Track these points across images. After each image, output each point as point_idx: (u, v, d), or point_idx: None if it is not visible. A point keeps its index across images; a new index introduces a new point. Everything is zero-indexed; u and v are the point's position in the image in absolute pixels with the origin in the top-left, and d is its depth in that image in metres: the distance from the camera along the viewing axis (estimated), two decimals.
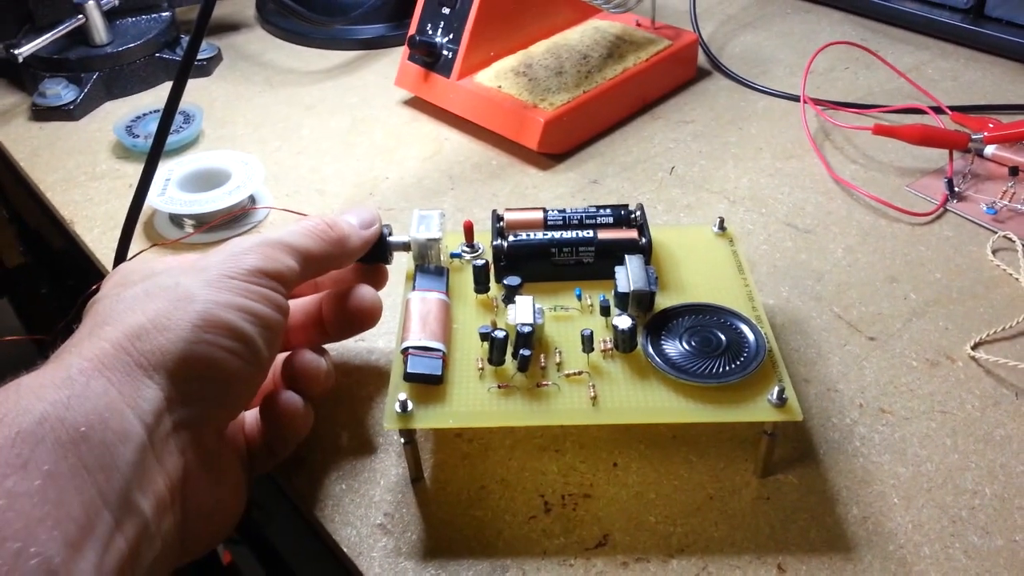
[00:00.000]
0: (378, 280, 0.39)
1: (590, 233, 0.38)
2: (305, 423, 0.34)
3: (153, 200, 0.48)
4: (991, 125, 0.53)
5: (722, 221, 0.40)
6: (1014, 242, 0.45)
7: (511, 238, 0.38)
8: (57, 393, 0.25)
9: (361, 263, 0.38)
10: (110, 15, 0.65)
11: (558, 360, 0.34)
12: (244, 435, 0.34)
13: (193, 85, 0.67)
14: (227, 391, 0.29)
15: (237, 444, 0.33)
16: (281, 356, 0.35)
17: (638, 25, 0.63)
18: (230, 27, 0.77)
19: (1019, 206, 0.48)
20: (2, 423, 0.24)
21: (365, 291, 0.36)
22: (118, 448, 0.25)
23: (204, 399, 0.29)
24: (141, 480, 0.25)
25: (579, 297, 0.37)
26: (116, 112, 0.63)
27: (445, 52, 0.58)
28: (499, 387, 0.33)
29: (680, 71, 0.62)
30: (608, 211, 0.39)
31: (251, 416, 0.35)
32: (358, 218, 0.36)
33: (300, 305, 0.37)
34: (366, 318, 0.36)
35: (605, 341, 0.34)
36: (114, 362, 0.27)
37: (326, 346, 0.37)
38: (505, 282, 0.36)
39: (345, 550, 0.33)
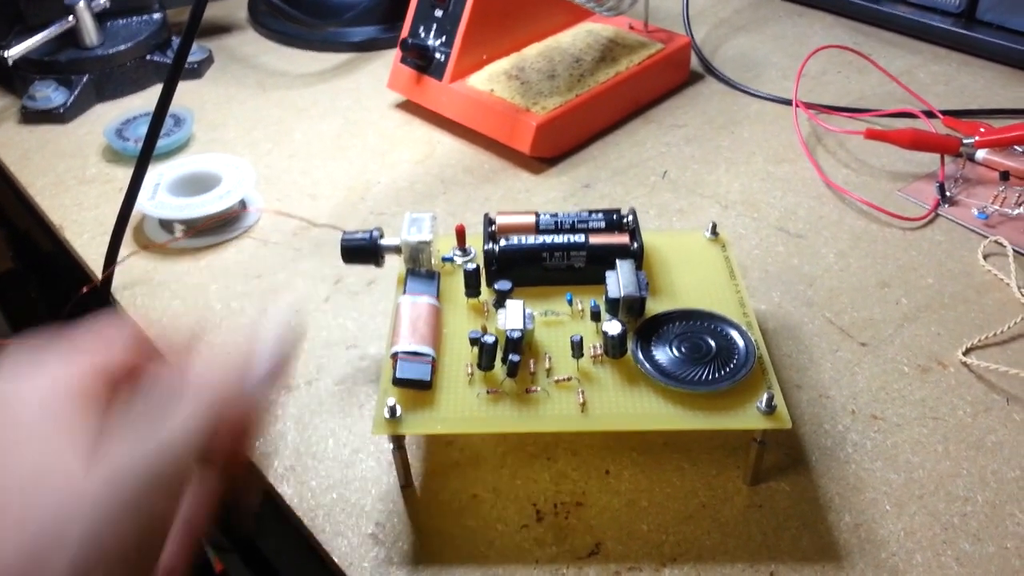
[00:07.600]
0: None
1: (582, 238, 0.37)
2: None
3: (143, 204, 0.48)
4: (982, 129, 0.53)
5: (714, 226, 0.40)
6: (1005, 247, 0.45)
7: (502, 242, 0.38)
8: None
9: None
10: (101, 17, 0.65)
11: (548, 366, 0.34)
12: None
13: (184, 88, 0.66)
14: None
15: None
16: None
17: (631, 28, 0.63)
18: (222, 29, 0.76)
19: (1010, 211, 0.48)
20: None
21: None
22: None
23: None
24: None
25: (570, 302, 0.37)
26: (106, 115, 0.63)
27: (437, 55, 0.58)
28: (488, 392, 0.33)
29: (673, 75, 0.62)
30: (600, 215, 0.39)
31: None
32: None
33: None
34: None
35: (595, 347, 0.34)
36: None
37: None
38: (496, 286, 0.36)
39: (336, 560, 0.32)
